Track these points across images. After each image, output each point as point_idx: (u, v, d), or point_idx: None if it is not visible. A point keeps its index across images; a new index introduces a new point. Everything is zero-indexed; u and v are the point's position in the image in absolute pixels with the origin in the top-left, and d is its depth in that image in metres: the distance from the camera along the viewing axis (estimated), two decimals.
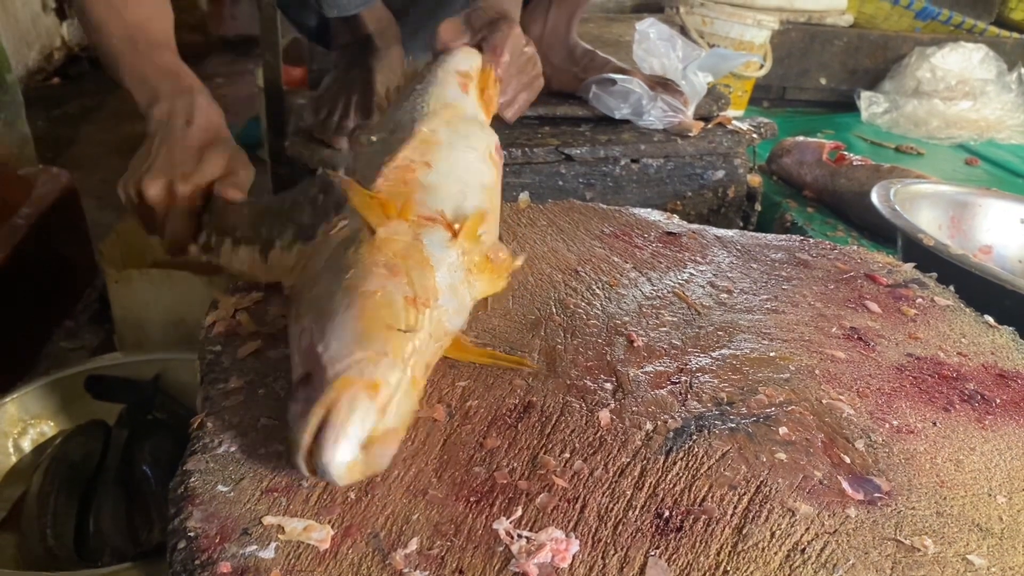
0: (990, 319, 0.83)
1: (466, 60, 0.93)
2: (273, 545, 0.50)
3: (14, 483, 1.02)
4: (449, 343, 0.65)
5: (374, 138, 0.80)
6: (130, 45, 0.90)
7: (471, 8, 0.97)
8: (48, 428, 1.09)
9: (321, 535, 0.51)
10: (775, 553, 0.52)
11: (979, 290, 0.91)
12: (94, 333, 1.45)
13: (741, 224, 1.43)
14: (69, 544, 0.91)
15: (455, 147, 0.77)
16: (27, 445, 1.06)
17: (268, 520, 0.52)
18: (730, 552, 0.52)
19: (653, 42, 1.44)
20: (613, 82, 1.33)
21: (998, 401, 0.70)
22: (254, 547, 0.50)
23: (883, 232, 1.35)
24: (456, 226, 0.66)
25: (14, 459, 1.05)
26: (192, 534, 0.51)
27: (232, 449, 0.58)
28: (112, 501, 0.97)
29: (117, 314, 1.28)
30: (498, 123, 0.94)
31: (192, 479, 0.55)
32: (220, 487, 0.55)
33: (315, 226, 0.69)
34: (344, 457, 0.50)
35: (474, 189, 0.74)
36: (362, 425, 0.51)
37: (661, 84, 1.37)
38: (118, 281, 1.24)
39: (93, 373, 1.12)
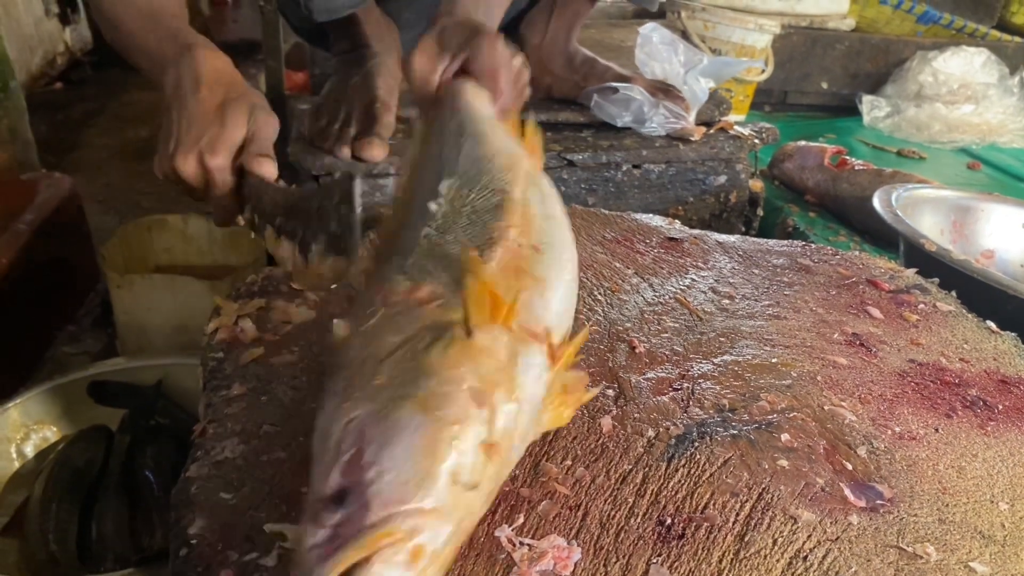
0: (992, 325, 0.83)
1: (482, 98, 0.80)
2: (275, 552, 0.50)
3: (17, 489, 1.02)
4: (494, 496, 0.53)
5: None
6: (148, 22, 0.88)
7: (440, 27, 0.86)
8: (51, 433, 1.09)
9: None
10: (777, 560, 0.52)
11: (981, 295, 0.91)
12: (96, 338, 1.45)
13: (743, 229, 1.43)
14: (72, 549, 0.91)
15: (550, 219, 0.64)
16: (30, 451, 1.06)
17: (270, 527, 0.52)
18: (732, 559, 0.52)
19: (655, 47, 1.44)
20: (614, 90, 1.34)
21: (1000, 407, 0.70)
22: (256, 554, 0.50)
23: (885, 237, 1.35)
24: (556, 351, 0.54)
25: (17, 465, 1.05)
26: (194, 541, 0.51)
27: (234, 456, 0.58)
28: (114, 506, 0.97)
29: (119, 319, 1.28)
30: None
31: (194, 486, 0.55)
32: (222, 494, 0.55)
33: (344, 238, 0.67)
34: None
35: (574, 283, 0.63)
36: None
37: (663, 90, 1.37)
38: (120, 286, 1.24)
39: (96, 378, 1.12)
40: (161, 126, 0.82)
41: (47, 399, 1.09)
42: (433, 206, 0.62)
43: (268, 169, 0.77)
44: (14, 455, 1.05)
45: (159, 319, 1.24)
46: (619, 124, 1.35)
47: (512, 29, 1.42)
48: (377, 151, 1.16)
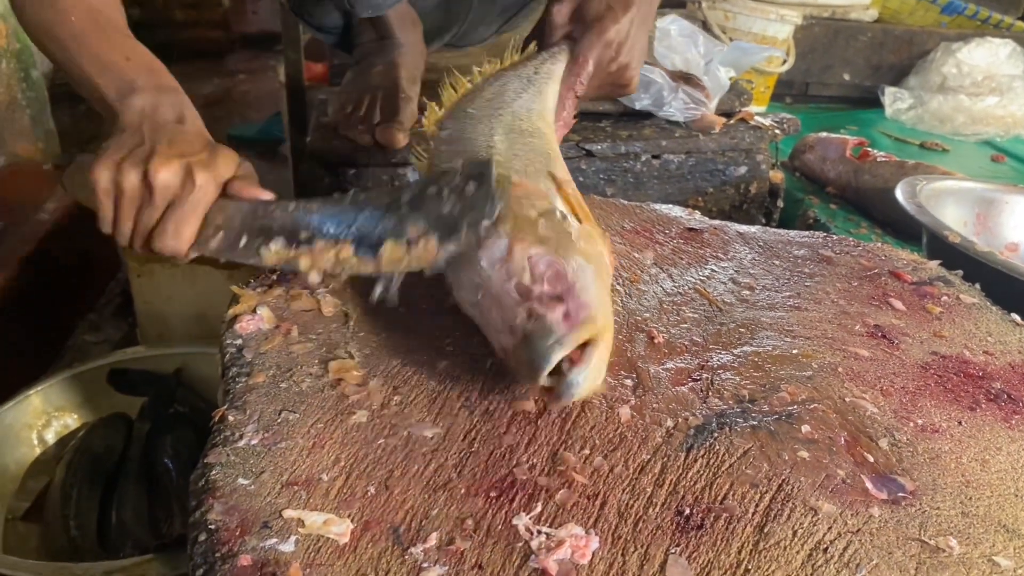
0: (1017, 317, 0.82)
1: (558, 73, 0.93)
2: (293, 538, 0.51)
3: (38, 475, 1.03)
4: None
5: (445, 131, 0.85)
6: (93, 26, 0.79)
7: None
8: (72, 421, 1.10)
9: (341, 529, 0.51)
10: (797, 552, 0.52)
11: (1005, 288, 0.90)
12: (117, 327, 1.47)
13: (763, 221, 1.42)
14: (92, 535, 0.92)
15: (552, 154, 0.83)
16: (51, 437, 1.08)
17: (288, 513, 0.52)
18: (751, 551, 0.52)
19: (675, 38, 1.43)
20: None
21: None
22: (274, 540, 0.50)
23: (907, 229, 1.34)
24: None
25: (38, 451, 1.06)
26: (213, 527, 0.51)
27: (253, 442, 0.58)
28: (134, 493, 0.98)
29: (139, 308, 1.29)
30: (583, 99, 0.96)
31: (213, 472, 0.55)
32: (241, 480, 0.55)
33: (459, 219, 0.65)
34: (589, 383, 0.59)
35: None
36: (602, 363, 0.61)
37: (683, 78, 1.36)
38: (141, 275, 1.25)
39: (116, 366, 1.13)
40: (113, 137, 0.73)
41: (68, 387, 1.10)
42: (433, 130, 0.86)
43: (265, 194, 0.72)
44: (35, 442, 1.06)
45: (179, 308, 1.25)
46: (638, 106, 1.33)
47: None
48: (399, 138, 1.16)
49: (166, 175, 0.68)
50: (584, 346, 0.59)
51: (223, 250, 0.70)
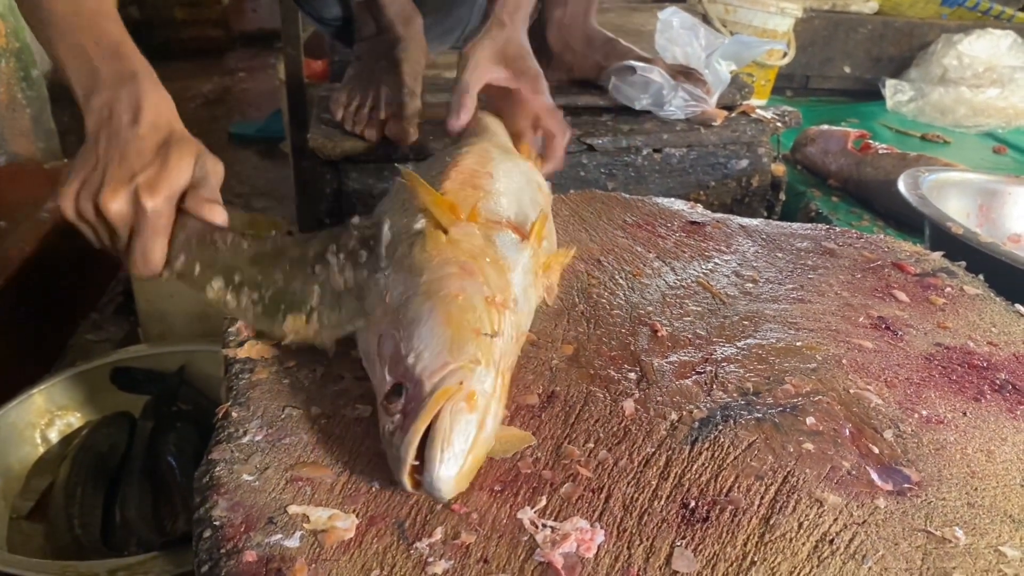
0: (1021, 308, 0.82)
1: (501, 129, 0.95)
2: (298, 534, 0.50)
3: (42, 474, 1.03)
4: (522, 345, 0.65)
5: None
6: (74, 8, 0.73)
7: (492, 38, 0.98)
8: (75, 419, 1.10)
9: (346, 524, 0.51)
10: (803, 544, 0.52)
11: (1009, 278, 0.89)
12: (119, 325, 1.47)
13: (765, 214, 1.41)
14: (96, 534, 0.92)
15: (508, 159, 0.79)
16: (54, 436, 1.07)
17: (293, 509, 0.52)
18: (757, 542, 0.52)
19: (675, 31, 1.43)
20: (633, 70, 1.32)
21: None
22: (279, 536, 0.50)
23: (909, 221, 1.33)
24: (524, 229, 0.67)
25: (41, 450, 1.06)
26: (218, 523, 0.51)
27: (257, 438, 0.58)
28: (138, 491, 0.98)
29: (141, 306, 1.29)
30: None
31: (217, 468, 0.55)
32: (245, 476, 0.55)
33: (356, 289, 0.63)
34: (451, 472, 0.50)
35: (533, 196, 0.78)
36: (465, 438, 0.51)
37: (683, 73, 1.36)
38: None
39: (118, 365, 1.13)
40: (77, 155, 0.71)
41: (71, 385, 1.10)
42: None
43: (219, 215, 0.69)
44: (39, 441, 1.06)
45: (181, 306, 1.25)
46: (638, 107, 1.33)
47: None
48: (410, 133, 1.17)
49: (116, 206, 0.66)
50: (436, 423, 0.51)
51: (185, 275, 0.69)
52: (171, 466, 1.01)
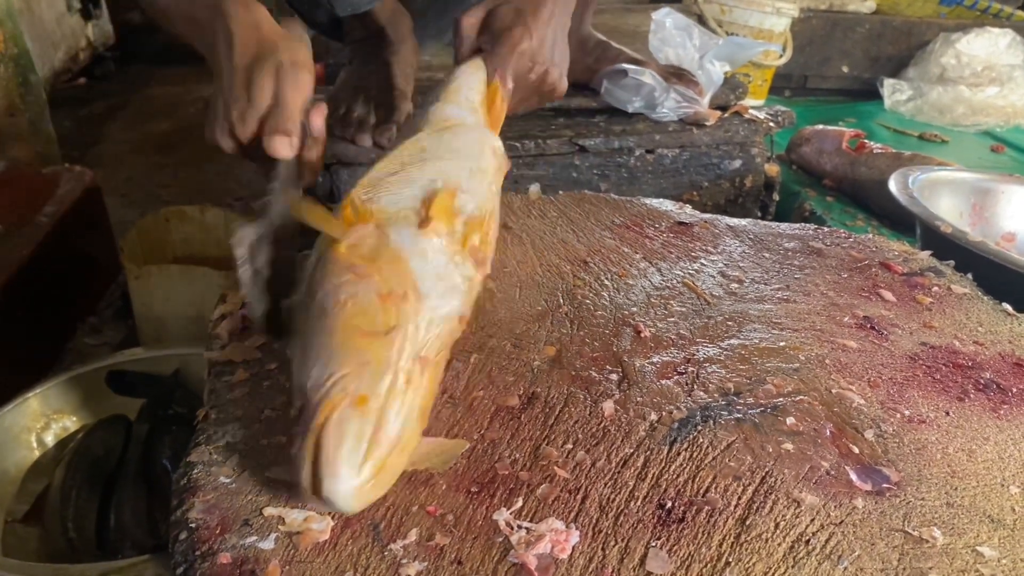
0: (1008, 307, 0.82)
1: (473, 81, 0.88)
2: (273, 536, 0.51)
3: (37, 477, 1.03)
4: (458, 324, 0.63)
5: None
6: None
7: (490, 4, 0.92)
8: (70, 423, 1.10)
9: (321, 526, 0.51)
10: (779, 544, 0.52)
11: (998, 278, 0.89)
12: (117, 329, 1.47)
13: (759, 214, 1.41)
14: (90, 537, 0.93)
15: (435, 149, 0.74)
16: (50, 440, 1.08)
17: (269, 511, 0.52)
18: (733, 543, 0.52)
19: (669, 32, 1.43)
20: (624, 73, 1.32)
21: (1015, 390, 0.69)
22: (254, 538, 0.51)
23: (904, 221, 1.33)
24: (423, 211, 0.64)
25: (37, 453, 1.06)
26: (193, 525, 0.51)
27: (235, 441, 0.59)
28: (133, 495, 0.98)
29: (137, 310, 1.30)
30: (511, 114, 0.93)
31: (195, 471, 0.56)
32: (222, 478, 0.55)
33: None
34: (346, 484, 0.48)
35: (478, 165, 0.73)
36: (356, 445, 0.49)
37: (676, 75, 1.36)
38: (138, 277, 1.25)
39: (114, 368, 1.13)
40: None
41: (66, 389, 1.10)
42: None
43: (281, 149, 0.71)
44: (34, 444, 1.06)
45: (176, 309, 1.26)
46: (630, 110, 1.33)
47: None
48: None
49: (226, 146, 0.74)
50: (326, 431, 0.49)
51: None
52: (166, 469, 1.01)
